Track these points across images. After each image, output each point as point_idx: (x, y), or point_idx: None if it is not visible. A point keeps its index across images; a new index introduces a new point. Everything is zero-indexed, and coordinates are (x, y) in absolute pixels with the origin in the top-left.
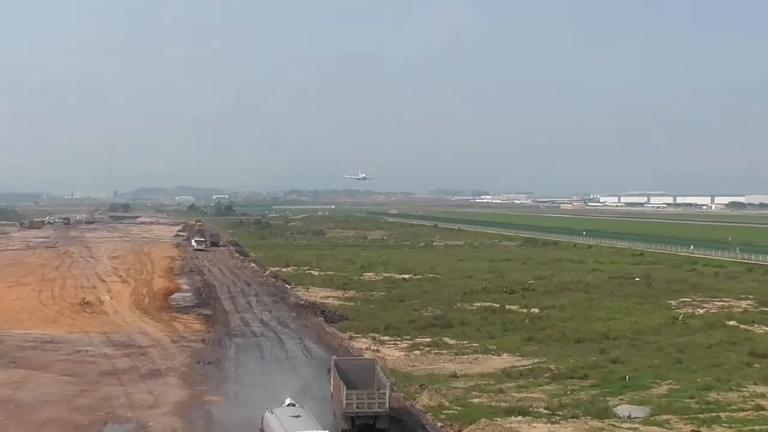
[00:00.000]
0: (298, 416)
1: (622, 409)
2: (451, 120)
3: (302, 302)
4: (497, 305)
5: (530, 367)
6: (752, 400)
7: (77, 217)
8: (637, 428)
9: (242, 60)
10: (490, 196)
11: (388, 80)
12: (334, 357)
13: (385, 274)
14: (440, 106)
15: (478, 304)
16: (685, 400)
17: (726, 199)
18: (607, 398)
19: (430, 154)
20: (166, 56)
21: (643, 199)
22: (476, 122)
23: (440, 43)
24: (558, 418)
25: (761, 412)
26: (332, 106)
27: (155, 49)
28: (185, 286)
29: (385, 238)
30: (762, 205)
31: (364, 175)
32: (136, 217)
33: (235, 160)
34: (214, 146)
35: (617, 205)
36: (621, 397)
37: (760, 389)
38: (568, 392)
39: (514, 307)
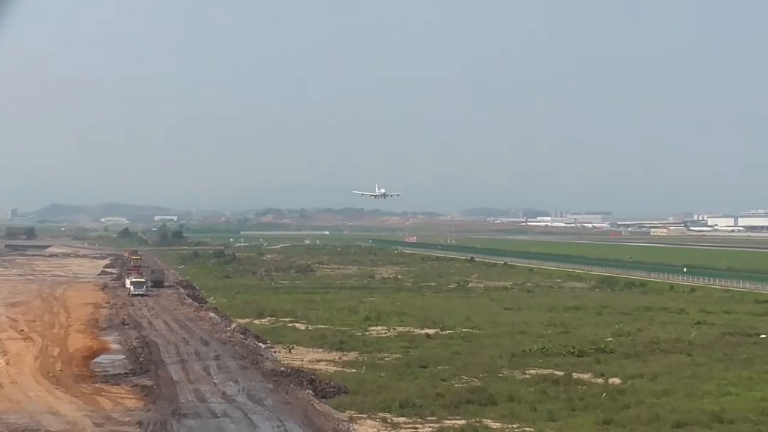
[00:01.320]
0: None
1: None
2: (489, 122)
3: (282, 369)
4: (560, 373)
5: None
6: None
7: None
8: None
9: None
10: (549, 218)
11: (400, 74)
12: None
13: (401, 329)
14: (474, 107)
15: (532, 372)
16: None
17: None
18: None
19: (463, 164)
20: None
21: None
22: (527, 125)
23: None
24: None
25: None
26: (324, 103)
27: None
28: (115, 346)
29: (400, 276)
30: None
31: (383, 190)
32: (45, 246)
33: (186, 168)
34: (157, 150)
35: (733, 230)
36: None
37: None
38: None
39: (584, 376)
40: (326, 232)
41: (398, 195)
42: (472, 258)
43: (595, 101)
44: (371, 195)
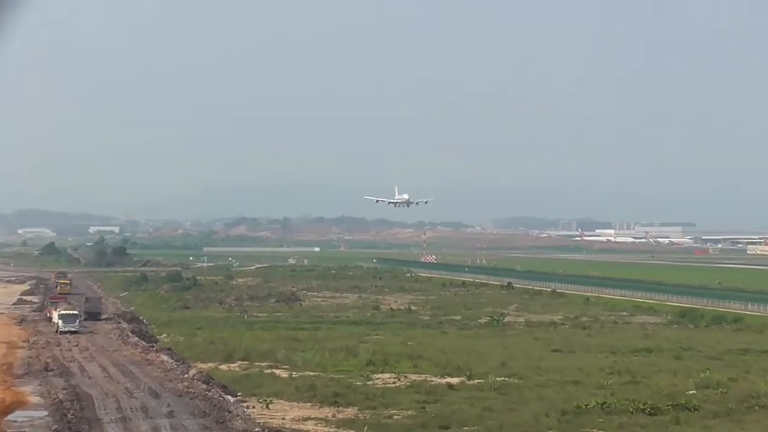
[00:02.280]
0: None
1: None
2: (529, 116)
3: (258, 430)
4: None
5: None
6: None
7: None
8: None
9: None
10: (612, 231)
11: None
12: None
13: (415, 377)
14: (509, 97)
15: None
16: None
17: None
18: None
19: (497, 163)
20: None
21: None
22: (577, 118)
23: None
24: None
25: None
26: (318, 86)
27: None
28: (35, 399)
29: (414, 308)
30: None
31: (406, 196)
32: None
33: (132, 166)
34: (92, 143)
35: None
36: None
37: None
38: None
39: None
40: (316, 249)
41: (426, 202)
42: (509, 283)
43: (673, 94)
44: (389, 202)
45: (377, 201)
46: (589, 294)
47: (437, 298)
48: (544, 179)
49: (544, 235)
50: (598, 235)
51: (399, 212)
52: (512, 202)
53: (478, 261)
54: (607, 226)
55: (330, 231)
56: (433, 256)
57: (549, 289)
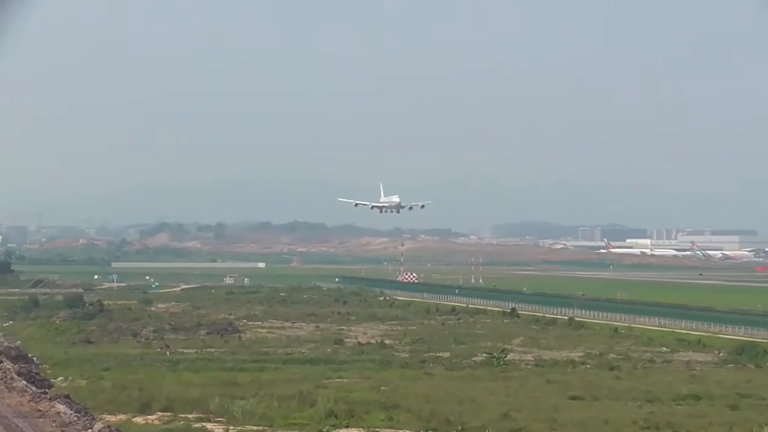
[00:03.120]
0: None
1: None
2: (539, 99)
3: None
4: None
5: None
6: None
7: None
8: None
9: None
10: (648, 241)
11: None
12: None
13: None
14: (514, 78)
15: None
16: None
17: None
18: None
19: (496, 155)
20: None
21: None
22: (600, 100)
23: None
24: None
25: None
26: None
27: None
28: None
29: (388, 342)
30: None
31: (396, 199)
32: None
33: (17, 155)
34: None
35: None
36: None
37: None
38: None
39: None
40: (261, 264)
41: (423, 206)
42: (513, 309)
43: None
44: (373, 206)
45: (356, 204)
46: (617, 324)
47: (419, 328)
48: (559, 175)
49: (559, 246)
50: (630, 247)
51: (369, 218)
52: (517, 204)
53: (472, 280)
54: (641, 234)
55: (278, 241)
56: (414, 274)
57: (565, 318)
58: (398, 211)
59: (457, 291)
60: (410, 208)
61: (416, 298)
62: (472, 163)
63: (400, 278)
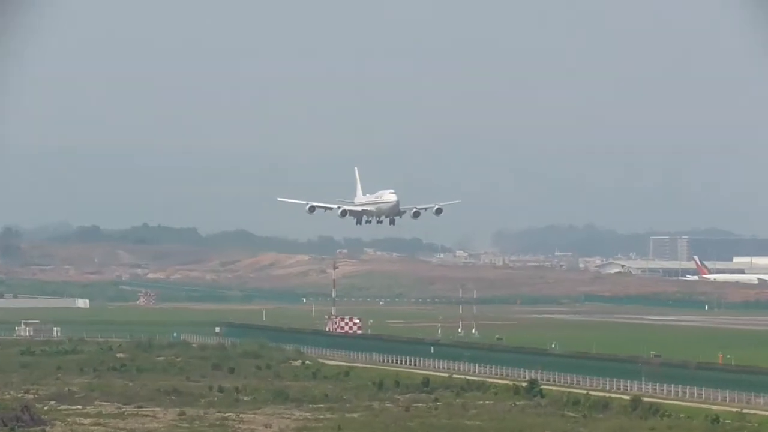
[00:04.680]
0: None
1: None
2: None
3: None
4: None
5: None
6: None
7: None
8: None
9: None
10: None
11: None
12: None
13: None
14: None
15: None
16: None
17: None
18: None
19: (498, 117)
20: None
21: None
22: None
23: None
24: None
25: None
26: None
27: None
28: None
29: None
30: None
31: (393, 197)
32: None
33: None
34: None
35: None
36: None
37: None
38: None
39: None
40: (83, 302)
41: (439, 211)
42: (533, 382)
43: None
44: (345, 210)
45: (311, 209)
46: (719, 407)
47: (365, 418)
48: (608, 143)
49: (615, 268)
50: (740, 270)
51: (278, 221)
52: (537, 198)
53: (460, 330)
54: (759, 247)
55: (114, 259)
56: (356, 320)
57: (626, 397)
58: (393, 221)
59: (432, 349)
60: (416, 214)
61: (360, 361)
62: (463, 121)
63: (330, 326)
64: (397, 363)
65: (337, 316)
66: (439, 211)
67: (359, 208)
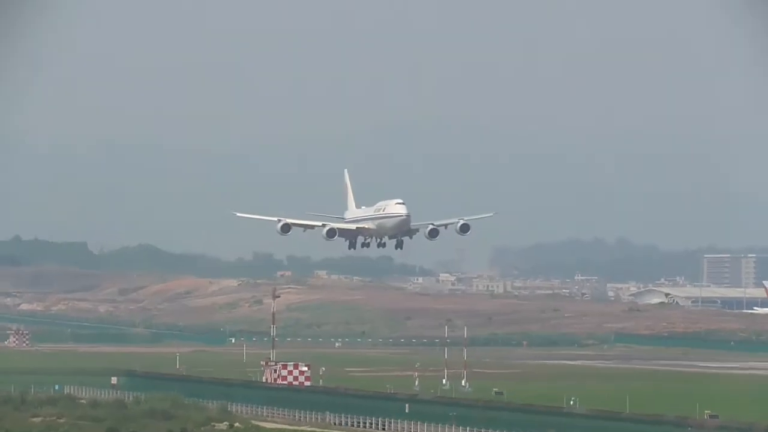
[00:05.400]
0: None
1: None
2: None
3: None
4: None
5: None
6: None
7: None
8: None
9: None
10: None
11: None
12: None
13: None
14: None
15: None
16: None
17: None
18: None
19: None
20: None
21: None
22: None
23: None
24: None
25: None
26: None
27: None
28: None
29: None
30: None
31: (403, 210)
32: None
33: None
34: None
35: None
36: None
37: None
38: None
39: None
40: None
41: (465, 228)
42: None
43: None
44: (331, 229)
45: (285, 228)
46: None
47: None
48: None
49: (656, 298)
50: None
51: (192, 235)
52: (549, 203)
53: (445, 381)
54: None
55: None
56: (304, 367)
57: None
58: (400, 244)
59: (407, 408)
60: (433, 233)
61: (308, 424)
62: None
63: (268, 376)
64: (359, 426)
65: (277, 363)
66: (465, 229)
67: (353, 226)
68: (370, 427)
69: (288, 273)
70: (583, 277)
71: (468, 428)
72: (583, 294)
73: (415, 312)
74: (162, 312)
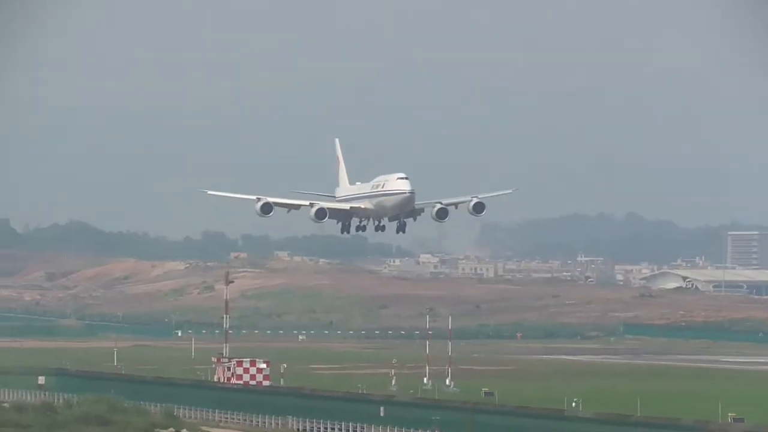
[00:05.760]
0: None
1: None
2: None
3: None
4: None
5: None
6: None
7: None
8: None
9: None
10: None
11: None
12: None
13: None
14: None
15: None
16: None
17: None
18: None
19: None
20: None
21: None
22: None
23: None
24: None
25: None
26: None
27: None
28: None
29: None
30: None
31: (407, 185)
32: None
33: None
34: None
35: None
36: None
37: None
38: None
39: None
40: None
41: (478, 207)
42: None
43: None
44: (321, 210)
45: (266, 208)
46: None
47: None
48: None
49: (673, 282)
50: None
51: (133, 210)
52: (547, 177)
53: (427, 380)
54: None
55: None
56: (262, 363)
57: None
58: (402, 227)
59: (383, 411)
60: (441, 213)
61: (268, 430)
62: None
63: (220, 375)
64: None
65: (231, 359)
66: (479, 208)
67: (347, 206)
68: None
69: (243, 254)
70: (586, 259)
71: None
72: (587, 278)
73: (392, 299)
74: (97, 300)
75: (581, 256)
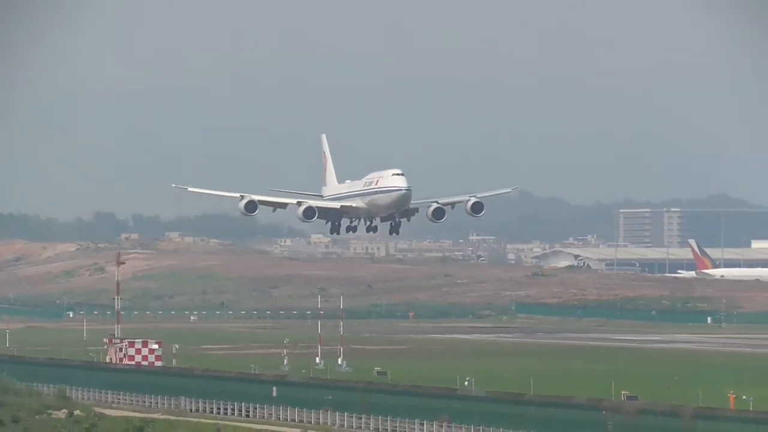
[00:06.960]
0: None
1: None
2: None
3: None
4: None
5: None
6: None
7: None
8: None
9: None
10: None
11: None
12: None
13: None
14: None
15: None
16: None
17: None
18: None
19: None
20: None
21: None
22: None
23: None
24: None
25: None
26: None
27: None
28: None
29: None
30: None
31: (403, 181)
32: None
33: None
34: None
35: None
36: None
37: None
38: None
39: None
40: None
41: (477, 207)
42: None
43: None
44: (309, 208)
45: (250, 206)
46: None
47: None
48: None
49: (561, 261)
50: (763, 262)
51: (22, 191)
52: (436, 152)
53: (319, 360)
54: None
55: None
56: (154, 344)
57: None
58: (396, 227)
59: (275, 391)
60: (438, 213)
61: (160, 411)
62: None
63: (112, 356)
64: (218, 413)
65: (123, 340)
66: (477, 208)
67: (337, 204)
68: (232, 414)
69: (134, 235)
70: (478, 237)
71: (346, 414)
72: (479, 257)
73: (283, 279)
74: None
75: (472, 235)
